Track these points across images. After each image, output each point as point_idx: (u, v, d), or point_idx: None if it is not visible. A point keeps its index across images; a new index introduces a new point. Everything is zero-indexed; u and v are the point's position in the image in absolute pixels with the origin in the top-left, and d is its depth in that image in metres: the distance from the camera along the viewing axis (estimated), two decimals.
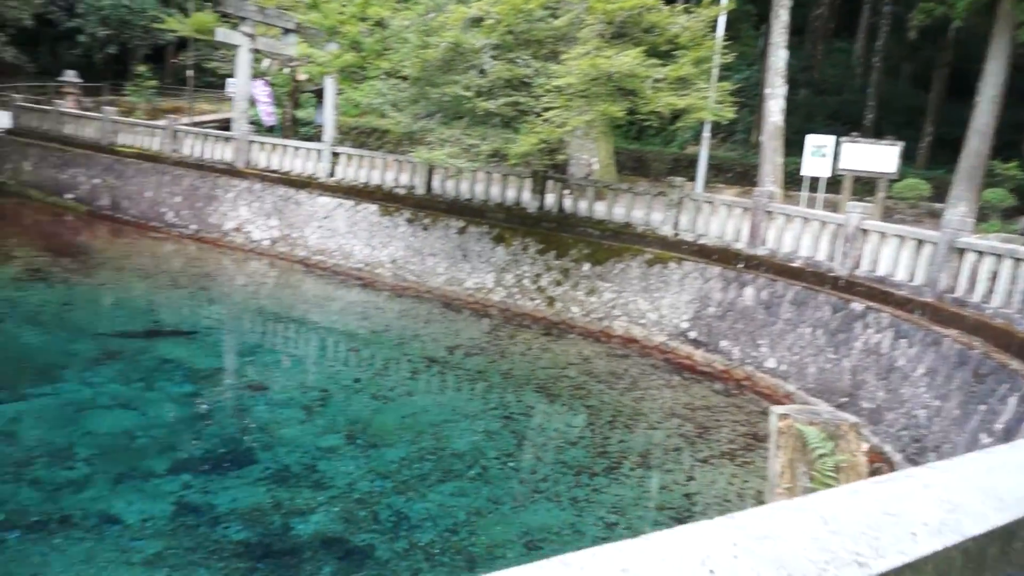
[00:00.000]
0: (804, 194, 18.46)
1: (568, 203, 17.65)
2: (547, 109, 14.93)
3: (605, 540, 7.44)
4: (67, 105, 30.29)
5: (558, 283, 16.72)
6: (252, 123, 25.20)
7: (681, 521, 8.69)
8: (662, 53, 15.56)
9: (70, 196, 25.41)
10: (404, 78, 17.30)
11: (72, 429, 9.59)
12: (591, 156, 22.21)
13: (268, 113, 27.61)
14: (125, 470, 8.67)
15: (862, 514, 1.37)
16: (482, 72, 15.90)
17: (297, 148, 21.64)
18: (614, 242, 16.49)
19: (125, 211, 23.92)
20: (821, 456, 4.31)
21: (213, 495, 8.29)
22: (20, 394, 10.50)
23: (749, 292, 14.19)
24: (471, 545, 7.75)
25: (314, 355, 14.61)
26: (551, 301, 16.64)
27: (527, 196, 17.98)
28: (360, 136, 31.00)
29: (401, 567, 7.29)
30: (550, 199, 17.75)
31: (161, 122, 24.92)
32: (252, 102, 25.78)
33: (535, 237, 17.36)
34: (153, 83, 37.63)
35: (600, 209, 17.20)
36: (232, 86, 25.00)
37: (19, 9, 36.26)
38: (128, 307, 15.90)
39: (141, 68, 38.59)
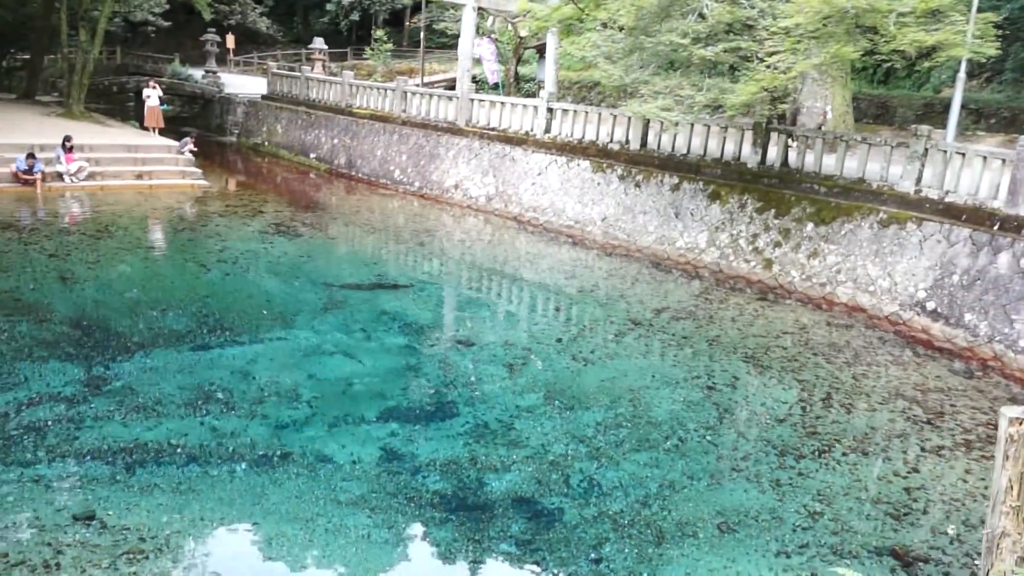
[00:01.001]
0: None
1: (793, 157, 16.33)
2: (771, 54, 13.79)
3: (807, 530, 6.85)
4: (315, 71, 32.98)
5: (777, 244, 15.59)
6: (476, 81, 25.87)
7: (897, 519, 7.80)
8: None
9: (313, 155, 27.77)
10: (620, 28, 16.80)
11: (298, 372, 10.46)
12: (824, 104, 20.39)
13: (492, 71, 28.17)
14: (340, 414, 9.30)
15: None
16: (701, 17, 15.01)
17: (514, 105, 21.89)
18: (843, 200, 15.04)
19: (359, 169, 25.70)
20: None
21: (416, 444, 8.67)
22: (259, 338, 11.65)
23: (1004, 259, 12.32)
24: (661, 520, 7.48)
25: (520, 312, 14.83)
26: (768, 263, 15.58)
27: (747, 149, 16.87)
28: (581, 91, 30.82)
29: (588, 534, 7.19)
30: (772, 152, 16.52)
31: (391, 84, 26.32)
32: (478, 60, 26.43)
33: (754, 194, 16.28)
34: (389, 46, 39.87)
35: (829, 163, 15.74)
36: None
37: None
38: (355, 260, 17.12)
39: (379, 32, 41.03)
